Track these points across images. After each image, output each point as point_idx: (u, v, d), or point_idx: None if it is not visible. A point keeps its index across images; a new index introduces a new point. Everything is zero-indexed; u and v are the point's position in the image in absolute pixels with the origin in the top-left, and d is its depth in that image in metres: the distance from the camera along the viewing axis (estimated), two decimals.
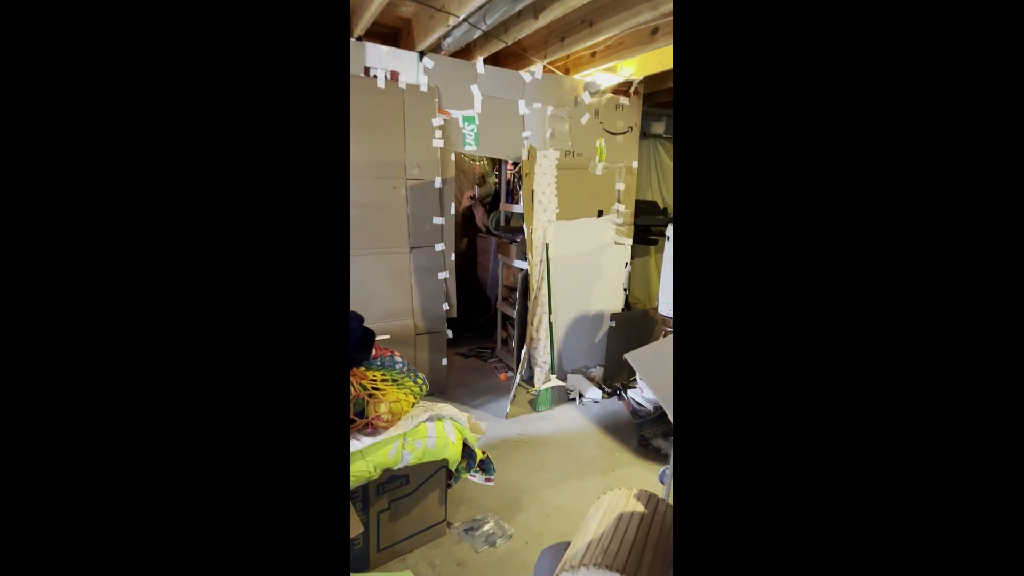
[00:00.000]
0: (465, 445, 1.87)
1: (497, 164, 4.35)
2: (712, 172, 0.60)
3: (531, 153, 3.08)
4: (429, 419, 1.77)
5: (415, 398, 1.81)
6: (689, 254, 0.62)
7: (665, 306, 3.40)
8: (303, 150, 0.61)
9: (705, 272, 0.60)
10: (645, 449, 2.68)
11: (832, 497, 0.54)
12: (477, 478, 1.96)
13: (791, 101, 0.56)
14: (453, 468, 1.84)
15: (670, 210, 4.57)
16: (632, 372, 3.39)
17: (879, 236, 0.53)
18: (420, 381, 1.86)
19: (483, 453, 1.96)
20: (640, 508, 0.97)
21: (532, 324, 3.25)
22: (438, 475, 1.86)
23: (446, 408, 1.88)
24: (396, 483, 1.73)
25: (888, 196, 0.53)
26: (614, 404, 3.24)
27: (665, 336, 3.41)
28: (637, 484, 2.37)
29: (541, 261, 3.24)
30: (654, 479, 2.41)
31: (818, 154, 0.55)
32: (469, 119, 2.95)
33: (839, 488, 0.54)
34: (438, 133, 2.87)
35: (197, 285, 0.58)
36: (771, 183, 0.57)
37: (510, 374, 3.59)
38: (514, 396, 3.03)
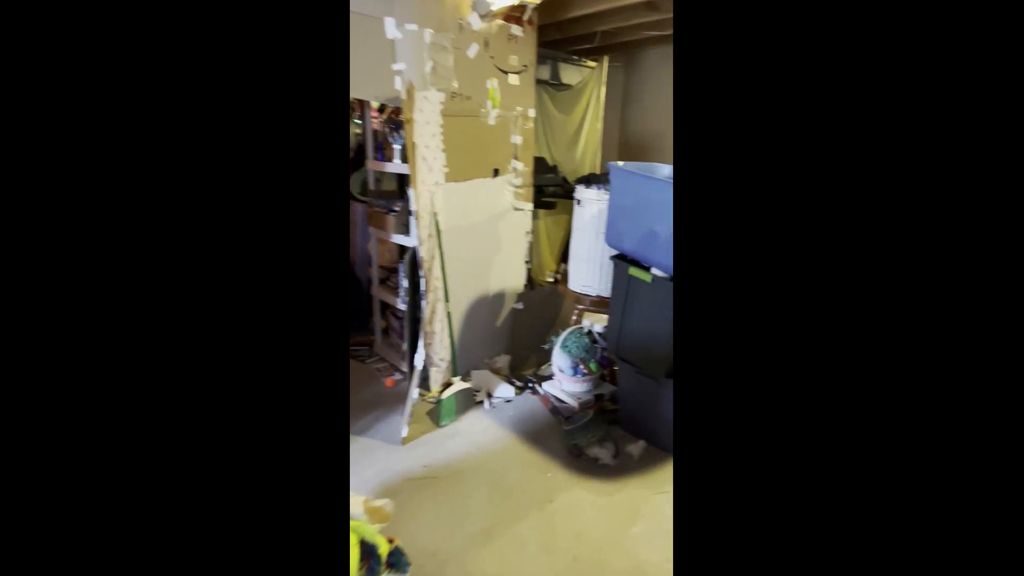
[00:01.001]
0: (363, 545, 1.20)
1: (358, 111, 3.45)
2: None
3: (410, 93, 2.31)
4: None
5: None
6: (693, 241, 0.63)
7: (577, 281, 2.95)
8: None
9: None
10: (579, 460, 2.23)
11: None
12: None
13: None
14: None
15: (560, 168, 4.12)
16: (544, 360, 2.91)
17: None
18: None
19: (391, 542, 1.31)
20: None
21: (426, 315, 2.58)
22: None
23: None
24: None
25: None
26: (528, 401, 2.74)
27: (577, 313, 2.97)
28: (583, 514, 1.90)
29: (430, 235, 2.54)
30: (602, 504, 1.97)
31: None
32: None
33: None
34: None
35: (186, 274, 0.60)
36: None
37: (397, 377, 2.90)
38: (411, 413, 2.37)
